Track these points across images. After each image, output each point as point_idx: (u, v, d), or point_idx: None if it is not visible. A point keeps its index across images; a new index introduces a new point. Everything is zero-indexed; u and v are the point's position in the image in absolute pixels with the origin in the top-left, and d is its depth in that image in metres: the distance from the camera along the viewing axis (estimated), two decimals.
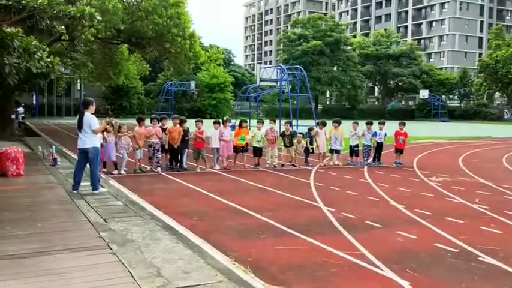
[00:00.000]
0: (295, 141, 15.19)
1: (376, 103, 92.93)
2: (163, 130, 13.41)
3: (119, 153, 12.70)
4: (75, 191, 9.45)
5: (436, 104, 74.44)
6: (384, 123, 16.06)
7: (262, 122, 15.31)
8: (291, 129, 15.22)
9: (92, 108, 9.67)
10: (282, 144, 15.20)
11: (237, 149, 14.41)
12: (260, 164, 14.54)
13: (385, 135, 15.92)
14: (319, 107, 75.91)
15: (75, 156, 15.26)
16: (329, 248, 6.27)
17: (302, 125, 19.79)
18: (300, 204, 9.31)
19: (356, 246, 6.40)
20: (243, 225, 7.47)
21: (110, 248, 5.85)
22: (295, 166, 14.75)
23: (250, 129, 16.59)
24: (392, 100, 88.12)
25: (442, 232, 7.22)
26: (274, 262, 5.69)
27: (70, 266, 5.17)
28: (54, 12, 8.43)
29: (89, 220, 7.26)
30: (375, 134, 15.77)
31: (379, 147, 15.83)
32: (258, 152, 14.58)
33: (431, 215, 8.33)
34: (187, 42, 28.84)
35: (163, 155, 13.65)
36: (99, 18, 9.77)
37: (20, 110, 32.82)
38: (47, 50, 10.34)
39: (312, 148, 15.51)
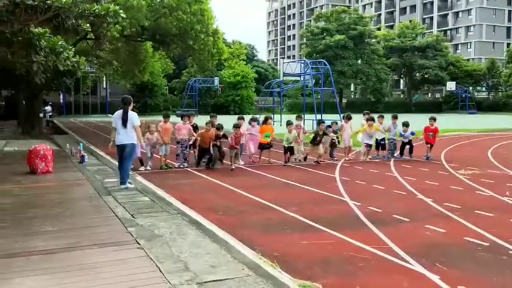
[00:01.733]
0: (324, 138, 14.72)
1: (401, 96, 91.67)
2: (193, 127, 13.65)
3: (144, 149, 12.78)
4: (123, 185, 9.80)
5: (464, 95, 73.04)
6: (407, 125, 15.50)
7: (292, 124, 14.74)
8: (324, 128, 14.81)
9: (132, 105, 10.12)
10: (310, 141, 14.94)
11: (262, 146, 14.35)
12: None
13: (413, 133, 15.62)
14: (344, 100, 75.20)
15: (103, 154, 15.56)
16: (356, 242, 6.21)
17: (327, 120, 19.50)
18: (326, 198, 9.25)
19: (384, 241, 6.32)
20: (269, 219, 7.46)
21: (138, 243, 5.91)
22: (318, 163, 14.34)
23: (274, 124, 16.52)
24: (417, 93, 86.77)
25: (471, 226, 7.08)
26: (300, 256, 5.66)
27: (99, 261, 5.24)
28: (79, 11, 8.55)
29: (116, 216, 7.35)
30: (401, 134, 15.57)
31: (407, 143, 15.60)
32: (289, 149, 14.35)
33: (460, 209, 8.17)
34: (211, 38, 28.89)
35: (191, 151, 13.76)
36: (124, 16, 9.87)
37: (48, 108, 33.47)
38: (73, 49, 10.49)
39: (338, 141, 15.35)
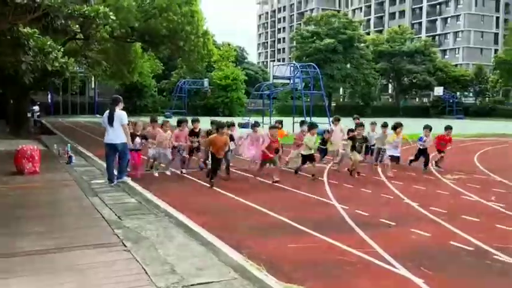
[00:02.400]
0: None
1: (390, 100, 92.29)
2: (196, 134, 12.45)
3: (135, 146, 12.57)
4: (112, 183, 10.14)
5: (451, 101, 73.74)
6: (431, 129, 14.15)
7: (314, 127, 12.83)
8: (363, 133, 13.35)
9: (121, 105, 10.35)
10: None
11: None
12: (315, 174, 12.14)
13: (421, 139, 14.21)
14: (333, 104, 75.57)
15: (90, 154, 15.47)
16: (343, 245, 6.25)
17: (319, 122, 19.22)
18: (314, 201, 9.29)
19: (370, 244, 6.37)
20: (257, 223, 7.47)
21: (125, 245, 5.90)
22: (359, 175, 12.67)
23: (263, 127, 16.29)
24: (405, 98, 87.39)
25: (457, 230, 7.15)
26: (287, 259, 5.68)
27: (85, 263, 5.22)
28: (69, 11, 8.51)
29: (103, 217, 7.32)
30: (420, 139, 14.17)
31: (424, 152, 14.07)
32: (309, 158, 12.29)
33: (446, 213, 8.25)
34: (201, 40, 28.90)
35: (188, 156, 12.59)
36: (114, 17, 9.85)
37: (36, 108, 33.17)
38: (62, 50, 10.44)
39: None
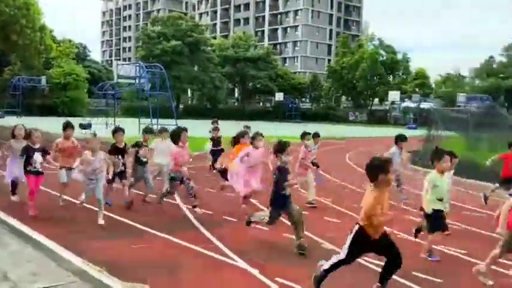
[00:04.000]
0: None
1: (236, 104, 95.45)
2: (121, 151, 8.65)
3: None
4: None
5: (290, 106, 78.77)
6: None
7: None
8: (219, 134, 11.80)
9: None
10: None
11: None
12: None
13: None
14: (181, 106, 75.80)
15: None
16: (185, 243, 6.44)
17: (166, 124, 18.68)
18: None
19: (211, 240, 6.66)
20: (99, 226, 7.29)
21: None
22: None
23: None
24: (250, 102, 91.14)
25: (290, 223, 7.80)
26: (130, 260, 5.69)
27: None
28: None
29: None
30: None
31: None
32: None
33: None
34: (38, 34, 27.00)
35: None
36: None
37: None
38: None
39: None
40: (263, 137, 8.55)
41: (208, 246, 6.35)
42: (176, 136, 8.57)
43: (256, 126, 16.86)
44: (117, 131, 8.82)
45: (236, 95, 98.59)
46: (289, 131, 40.52)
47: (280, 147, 6.56)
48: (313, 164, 11.00)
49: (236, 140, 9.16)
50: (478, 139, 21.54)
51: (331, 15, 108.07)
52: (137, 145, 9.08)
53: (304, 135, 10.70)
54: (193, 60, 73.98)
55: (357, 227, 4.68)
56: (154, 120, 28.56)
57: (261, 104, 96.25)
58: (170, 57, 70.22)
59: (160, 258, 5.83)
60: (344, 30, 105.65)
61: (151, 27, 78.96)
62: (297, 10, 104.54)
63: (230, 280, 5.27)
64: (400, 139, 10.25)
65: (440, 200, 6.21)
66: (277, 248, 6.53)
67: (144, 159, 9.01)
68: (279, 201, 6.50)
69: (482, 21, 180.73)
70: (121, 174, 8.57)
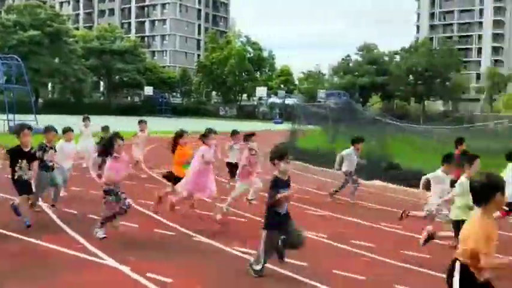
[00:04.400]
0: None
1: (102, 98, 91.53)
2: (27, 155, 7.09)
3: None
4: None
5: (160, 100, 77.66)
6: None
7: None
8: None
9: None
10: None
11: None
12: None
13: None
14: (40, 100, 70.67)
15: None
16: (51, 245, 6.16)
17: (25, 120, 17.31)
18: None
19: (78, 240, 6.44)
20: None
21: None
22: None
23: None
24: (116, 96, 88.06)
25: (161, 219, 7.83)
26: None
27: None
28: None
29: None
30: None
31: None
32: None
33: (152, 204, 8.74)
34: None
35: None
36: None
37: None
38: None
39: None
40: (216, 134, 8.03)
41: (76, 246, 6.14)
42: (108, 146, 6.62)
43: (125, 121, 16.41)
44: (23, 128, 7.14)
45: (102, 88, 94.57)
46: (162, 125, 40.21)
47: (280, 153, 5.35)
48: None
49: (175, 143, 8.42)
50: (336, 132, 23.25)
51: (199, 10, 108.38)
52: (42, 148, 7.59)
53: (248, 136, 9.38)
54: (54, 52, 69.34)
55: (458, 265, 3.34)
56: (11, 116, 26.46)
57: (129, 98, 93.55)
58: (28, 48, 65.07)
59: (22, 264, 5.52)
60: (212, 26, 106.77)
61: (5, 15, 72.44)
62: (165, 4, 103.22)
63: (101, 280, 5.17)
64: (356, 142, 10.41)
65: (471, 209, 4.56)
66: (147, 244, 6.52)
67: (50, 164, 7.76)
68: (273, 220, 5.30)
69: (341, 22, 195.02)
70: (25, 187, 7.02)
